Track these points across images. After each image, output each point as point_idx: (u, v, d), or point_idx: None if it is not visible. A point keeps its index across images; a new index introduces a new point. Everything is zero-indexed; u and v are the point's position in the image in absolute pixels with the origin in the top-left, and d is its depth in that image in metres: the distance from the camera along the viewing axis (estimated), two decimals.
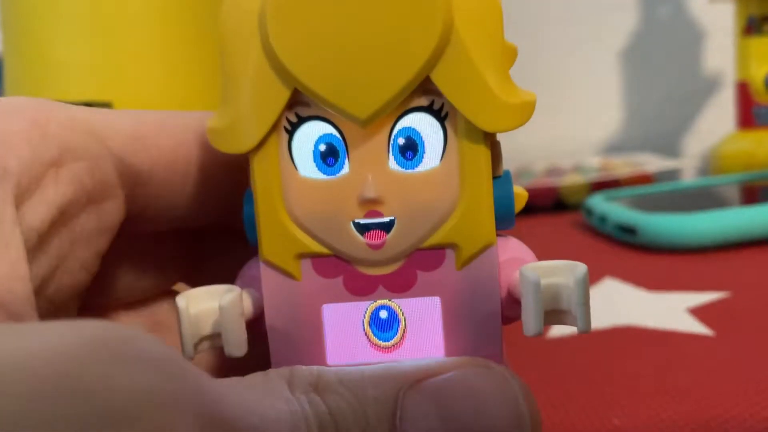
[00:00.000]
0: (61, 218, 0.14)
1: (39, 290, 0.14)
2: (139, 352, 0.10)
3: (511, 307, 0.14)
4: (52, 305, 0.15)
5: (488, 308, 0.14)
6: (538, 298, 0.13)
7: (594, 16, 0.69)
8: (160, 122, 0.16)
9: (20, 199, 0.13)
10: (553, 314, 0.14)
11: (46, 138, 0.14)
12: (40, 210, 0.14)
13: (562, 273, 0.14)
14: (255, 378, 0.13)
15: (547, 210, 0.53)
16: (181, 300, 0.14)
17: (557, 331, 0.27)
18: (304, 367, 0.13)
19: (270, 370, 0.13)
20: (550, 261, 0.14)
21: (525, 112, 0.14)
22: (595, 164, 0.59)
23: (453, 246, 0.14)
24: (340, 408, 0.12)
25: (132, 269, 0.18)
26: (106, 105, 0.33)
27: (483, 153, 0.14)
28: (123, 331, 0.10)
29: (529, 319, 0.13)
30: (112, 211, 0.16)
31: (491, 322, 0.14)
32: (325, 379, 0.13)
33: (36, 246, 0.14)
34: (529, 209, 0.52)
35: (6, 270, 0.13)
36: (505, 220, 0.14)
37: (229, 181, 0.17)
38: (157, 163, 0.16)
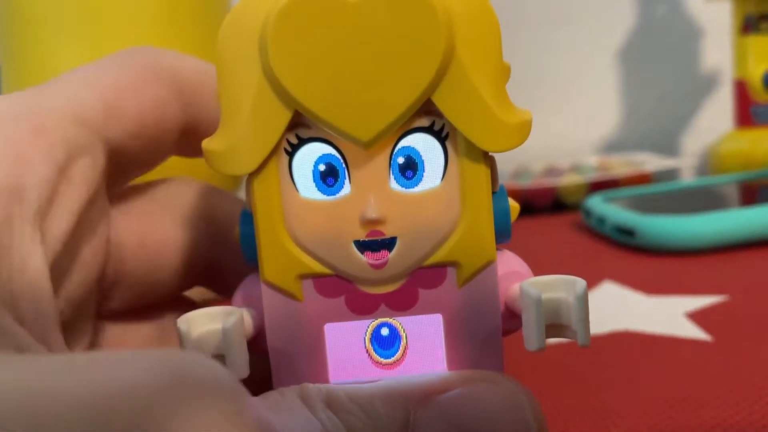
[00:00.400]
0: (79, 220, 0.15)
1: (60, 291, 0.14)
2: (209, 389, 0.09)
3: (509, 320, 0.15)
4: (71, 305, 0.15)
5: (490, 325, 0.14)
6: (540, 313, 0.13)
7: (591, 14, 0.69)
8: (121, 89, 0.16)
9: (43, 212, 0.14)
10: (553, 328, 0.14)
11: (51, 146, 0.14)
12: (61, 218, 0.14)
13: (562, 288, 0.14)
14: (273, 397, 0.13)
15: (546, 210, 0.53)
16: (183, 324, 0.14)
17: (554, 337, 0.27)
18: (311, 384, 0.13)
19: (282, 389, 0.13)
20: (548, 276, 0.14)
21: (523, 131, 0.14)
22: (593, 164, 0.59)
23: (454, 264, 0.14)
24: (354, 425, 0.12)
25: (145, 275, 0.18)
26: None
27: (483, 172, 0.14)
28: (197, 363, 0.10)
29: (531, 335, 0.13)
30: (108, 192, 0.16)
31: (493, 339, 0.14)
32: (334, 397, 0.13)
33: (60, 253, 0.14)
34: (527, 209, 0.52)
35: (29, 291, 0.13)
36: (503, 233, 0.14)
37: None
38: (130, 132, 0.16)
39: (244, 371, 0.14)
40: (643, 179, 0.54)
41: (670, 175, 0.57)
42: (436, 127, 0.14)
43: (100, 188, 0.16)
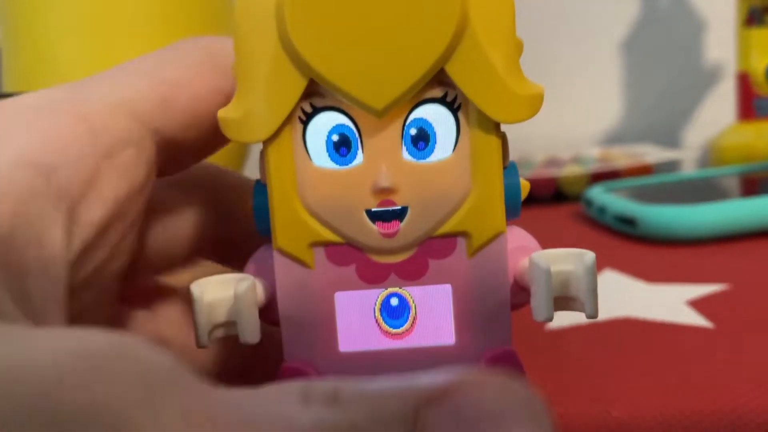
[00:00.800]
0: (117, 211, 0.15)
1: (88, 281, 0.14)
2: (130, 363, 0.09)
3: (517, 294, 0.15)
4: (95, 290, 0.15)
5: (498, 295, 0.14)
6: (549, 284, 0.13)
7: (594, 6, 0.69)
8: (177, 82, 0.16)
9: (76, 196, 0.13)
10: (562, 300, 0.14)
11: (94, 132, 0.14)
12: (97, 206, 0.14)
13: (571, 261, 0.14)
14: (269, 390, 0.13)
15: (547, 201, 0.53)
16: (196, 288, 0.14)
17: (556, 323, 0.27)
18: (319, 381, 0.13)
19: (286, 384, 0.13)
20: (557, 249, 0.14)
21: (535, 103, 0.14)
22: (594, 155, 0.59)
23: (464, 234, 0.14)
24: (361, 421, 0.12)
25: (157, 247, 0.18)
26: None
27: (495, 143, 0.14)
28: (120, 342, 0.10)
29: (540, 306, 0.14)
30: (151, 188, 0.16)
31: (501, 309, 0.14)
32: (342, 391, 0.13)
33: (92, 242, 0.14)
34: (529, 200, 0.52)
35: (39, 267, 0.13)
36: (512, 209, 0.15)
37: None
38: (184, 125, 0.16)
39: (255, 336, 0.14)
40: (644, 171, 0.54)
41: (671, 167, 0.57)
42: (449, 98, 0.14)
43: (146, 180, 0.16)
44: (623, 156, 0.57)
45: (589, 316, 0.14)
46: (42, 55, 0.36)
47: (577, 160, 0.58)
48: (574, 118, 0.70)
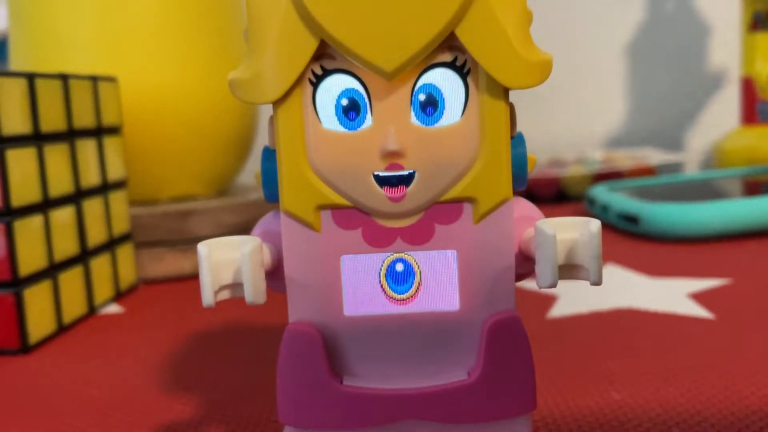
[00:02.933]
0: None
1: None
2: None
3: (522, 264, 0.15)
4: None
5: (503, 262, 0.14)
6: (554, 250, 0.13)
7: (600, 9, 0.69)
8: None
9: None
10: (567, 269, 0.14)
11: None
12: None
13: (576, 228, 0.14)
14: None
15: (549, 200, 0.53)
16: (203, 248, 0.14)
17: (558, 311, 0.27)
18: None
19: None
20: (563, 217, 0.14)
21: (545, 70, 0.14)
22: (598, 157, 0.59)
23: (471, 200, 0.14)
24: None
25: None
26: (111, 79, 0.33)
27: (503, 109, 0.14)
28: None
29: (545, 271, 0.14)
30: None
31: (506, 276, 0.15)
32: None
33: None
34: (531, 199, 0.52)
35: None
36: (519, 179, 0.15)
37: None
38: None
39: (261, 298, 0.14)
40: (647, 172, 0.54)
41: (674, 169, 0.57)
42: (459, 63, 0.14)
43: None
44: (626, 158, 0.57)
45: (593, 283, 0.14)
46: (48, 36, 0.36)
47: (580, 161, 0.58)
48: (578, 120, 0.70)
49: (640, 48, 0.70)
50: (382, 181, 0.14)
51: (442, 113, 0.14)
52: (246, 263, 0.14)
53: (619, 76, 0.70)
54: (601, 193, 0.44)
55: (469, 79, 0.14)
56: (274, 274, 0.15)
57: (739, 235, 0.38)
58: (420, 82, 0.14)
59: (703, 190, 0.45)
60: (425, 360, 0.15)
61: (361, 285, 0.15)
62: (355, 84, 0.14)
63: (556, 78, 0.69)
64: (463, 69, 0.14)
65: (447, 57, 0.14)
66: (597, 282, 0.14)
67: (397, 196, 0.14)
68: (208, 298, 0.14)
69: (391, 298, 0.15)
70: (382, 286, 0.15)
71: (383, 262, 0.15)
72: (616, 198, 0.42)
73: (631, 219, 0.40)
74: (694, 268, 0.32)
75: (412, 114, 0.14)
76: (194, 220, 0.36)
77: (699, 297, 0.28)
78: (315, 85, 0.14)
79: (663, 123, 0.70)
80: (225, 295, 0.15)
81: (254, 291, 0.14)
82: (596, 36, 0.69)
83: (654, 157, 0.57)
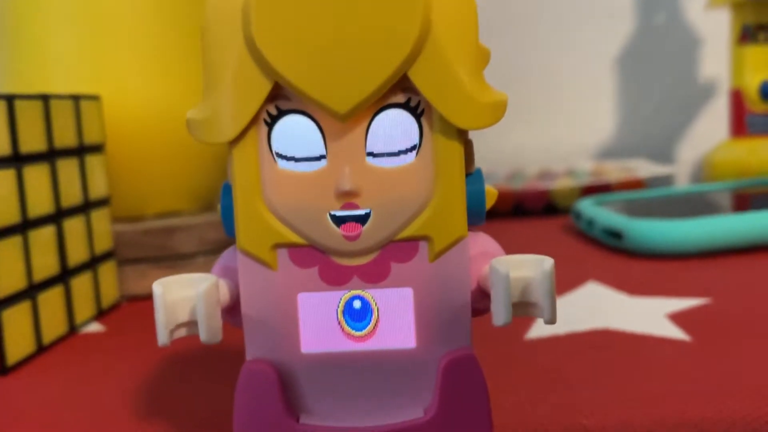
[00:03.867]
0: None
1: None
2: None
3: (480, 299, 0.15)
4: None
5: (459, 299, 0.15)
6: (507, 288, 0.13)
7: (590, 21, 0.69)
8: None
9: None
10: (522, 306, 0.14)
11: None
12: None
13: (530, 266, 0.14)
14: None
15: (538, 213, 0.53)
16: (158, 287, 0.14)
17: (534, 332, 0.27)
18: None
19: None
20: (518, 255, 0.14)
21: (497, 111, 0.14)
22: (587, 169, 0.60)
23: (426, 238, 0.14)
24: None
25: None
26: (93, 98, 0.33)
27: (457, 149, 0.14)
28: None
29: (499, 310, 0.14)
30: None
31: (462, 313, 0.15)
32: None
33: None
34: (520, 211, 0.52)
35: None
36: (476, 215, 0.15)
37: None
38: None
39: (217, 337, 0.14)
40: (636, 185, 0.54)
41: (663, 182, 0.57)
42: (412, 104, 0.14)
43: None
44: (616, 170, 0.57)
45: (547, 322, 0.14)
46: (33, 56, 0.36)
47: (570, 173, 0.58)
48: (568, 132, 0.70)
49: (631, 60, 0.70)
50: (337, 221, 0.14)
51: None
52: (200, 302, 0.14)
53: (610, 88, 0.71)
54: (587, 207, 0.44)
55: (423, 120, 0.14)
56: (234, 310, 0.15)
57: (723, 252, 0.38)
58: (374, 122, 0.14)
59: (690, 205, 0.45)
60: (382, 398, 0.15)
61: (318, 323, 0.15)
62: (309, 124, 0.14)
63: (547, 89, 0.69)
64: (416, 110, 0.14)
65: (400, 98, 0.14)
66: (551, 321, 0.14)
67: (353, 235, 0.14)
68: (162, 337, 0.14)
69: (348, 335, 0.15)
70: (339, 323, 0.15)
71: (341, 299, 0.15)
72: (602, 212, 0.42)
73: (616, 234, 0.40)
74: (675, 287, 0.32)
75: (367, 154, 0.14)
76: (178, 236, 0.36)
77: (677, 318, 0.28)
78: (270, 126, 0.14)
79: (653, 135, 0.70)
80: (181, 333, 0.15)
81: (208, 330, 0.14)
82: (586, 48, 0.70)
83: (643, 169, 0.57)
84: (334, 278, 0.15)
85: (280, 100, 0.14)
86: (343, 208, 0.14)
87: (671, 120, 0.70)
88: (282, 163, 0.14)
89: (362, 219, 0.14)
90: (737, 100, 0.55)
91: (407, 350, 0.15)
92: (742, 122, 0.55)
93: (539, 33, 0.69)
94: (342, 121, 0.14)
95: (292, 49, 0.13)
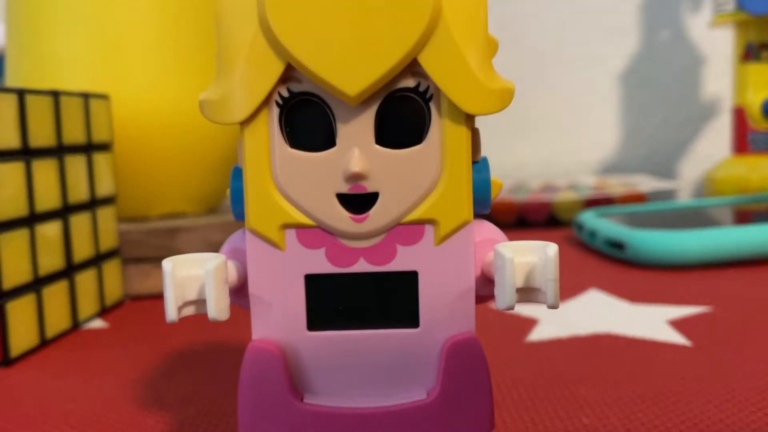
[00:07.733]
0: None
1: None
2: None
3: (484, 286, 0.15)
4: None
5: (463, 283, 0.15)
6: (511, 273, 0.14)
7: (595, 38, 0.70)
8: None
9: None
10: (525, 291, 0.14)
11: None
12: None
13: (534, 252, 0.14)
14: None
15: (541, 225, 0.53)
16: (168, 264, 0.14)
17: (537, 335, 0.27)
18: None
19: None
20: (523, 241, 0.14)
21: (505, 97, 0.14)
22: (590, 183, 0.60)
23: (432, 222, 0.15)
24: None
25: None
26: (103, 97, 0.33)
27: (464, 134, 0.14)
28: None
29: (503, 294, 0.14)
30: None
31: (466, 297, 0.15)
32: None
33: None
34: (522, 223, 0.53)
35: None
36: (482, 203, 0.15)
37: None
38: None
39: (224, 314, 0.14)
40: (638, 199, 0.54)
41: (665, 197, 0.57)
42: (421, 88, 0.14)
43: None
44: (618, 185, 0.57)
45: (550, 306, 0.14)
46: (44, 54, 0.36)
47: (572, 187, 0.58)
48: (571, 147, 0.71)
49: (634, 77, 0.70)
50: (345, 201, 0.14)
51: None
52: (209, 279, 0.14)
53: (614, 105, 0.71)
54: (589, 218, 0.45)
55: (432, 105, 0.14)
56: (240, 291, 0.15)
57: (724, 264, 0.38)
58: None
59: (691, 218, 0.45)
60: (386, 379, 0.15)
61: (324, 304, 0.15)
62: (320, 108, 0.14)
63: (552, 106, 0.70)
64: (425, 94, 0.14)
65: (410, 82, 0.14)
66: (554, 306, 0.14)
67: (360, 217, 0.14)
68: (171, 313, 0.14)
69: None
70: None
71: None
72: (604, 224, 0.42)
73: (618, 245, 0.40)
74: (676, 296, 0.33)
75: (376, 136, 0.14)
76: (182, 237, 0.36)
77: (678, 324, 0.28)
78: (282, 107, 0.14)
79: (656, 151, 0.70)
80: (189, 311, 0.15)
81: (216, 307, 0.14)
82: (591, 64, 0.70)
83: (646, 184, 0.57)
84: (341, 259, 0.15)
85: (292, 83, 0.14)
86: (351, 190, 0.14)
87: (674, 137, 0.70)
88: (292, 144, 0.14)
89: (370, 201, 0.14)
90: (740, 117, 0.55)
91: (411, 332, 0.15)
92: (744, 140, 0.55)
93: (545, 48, 0.70)
94: (352, 104, 0.14)
95: (305, 31, 0.14)
